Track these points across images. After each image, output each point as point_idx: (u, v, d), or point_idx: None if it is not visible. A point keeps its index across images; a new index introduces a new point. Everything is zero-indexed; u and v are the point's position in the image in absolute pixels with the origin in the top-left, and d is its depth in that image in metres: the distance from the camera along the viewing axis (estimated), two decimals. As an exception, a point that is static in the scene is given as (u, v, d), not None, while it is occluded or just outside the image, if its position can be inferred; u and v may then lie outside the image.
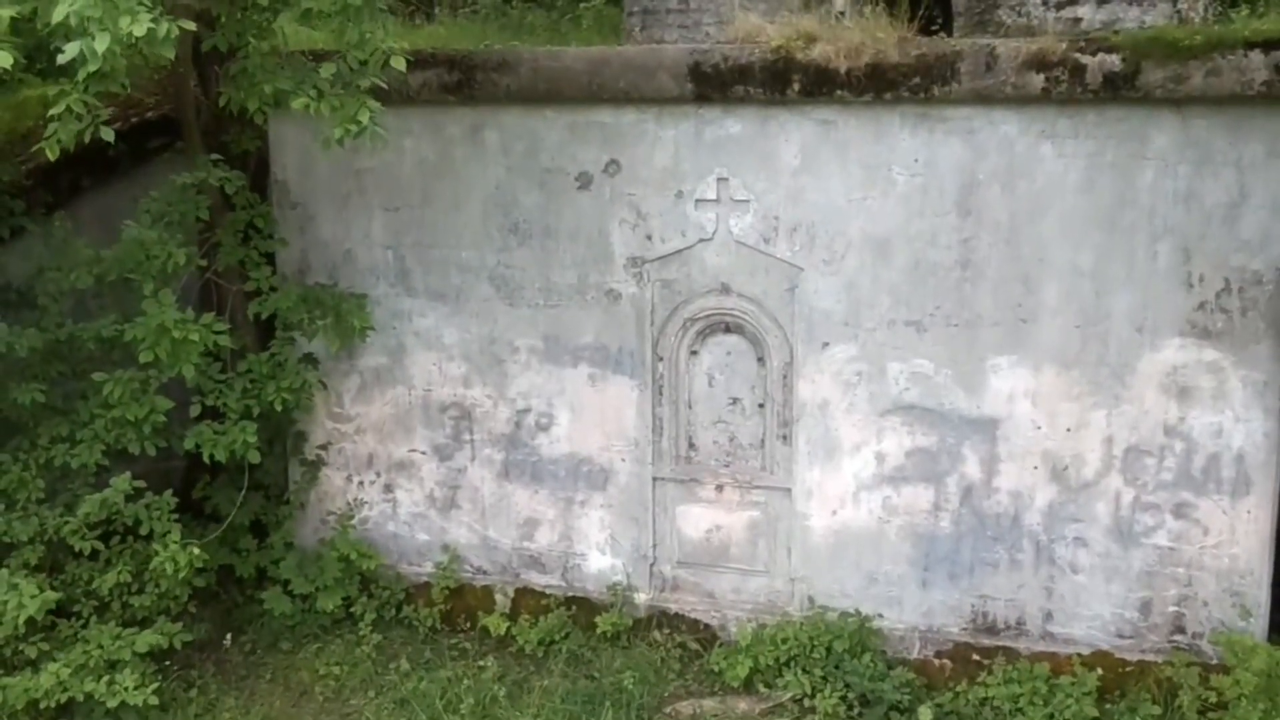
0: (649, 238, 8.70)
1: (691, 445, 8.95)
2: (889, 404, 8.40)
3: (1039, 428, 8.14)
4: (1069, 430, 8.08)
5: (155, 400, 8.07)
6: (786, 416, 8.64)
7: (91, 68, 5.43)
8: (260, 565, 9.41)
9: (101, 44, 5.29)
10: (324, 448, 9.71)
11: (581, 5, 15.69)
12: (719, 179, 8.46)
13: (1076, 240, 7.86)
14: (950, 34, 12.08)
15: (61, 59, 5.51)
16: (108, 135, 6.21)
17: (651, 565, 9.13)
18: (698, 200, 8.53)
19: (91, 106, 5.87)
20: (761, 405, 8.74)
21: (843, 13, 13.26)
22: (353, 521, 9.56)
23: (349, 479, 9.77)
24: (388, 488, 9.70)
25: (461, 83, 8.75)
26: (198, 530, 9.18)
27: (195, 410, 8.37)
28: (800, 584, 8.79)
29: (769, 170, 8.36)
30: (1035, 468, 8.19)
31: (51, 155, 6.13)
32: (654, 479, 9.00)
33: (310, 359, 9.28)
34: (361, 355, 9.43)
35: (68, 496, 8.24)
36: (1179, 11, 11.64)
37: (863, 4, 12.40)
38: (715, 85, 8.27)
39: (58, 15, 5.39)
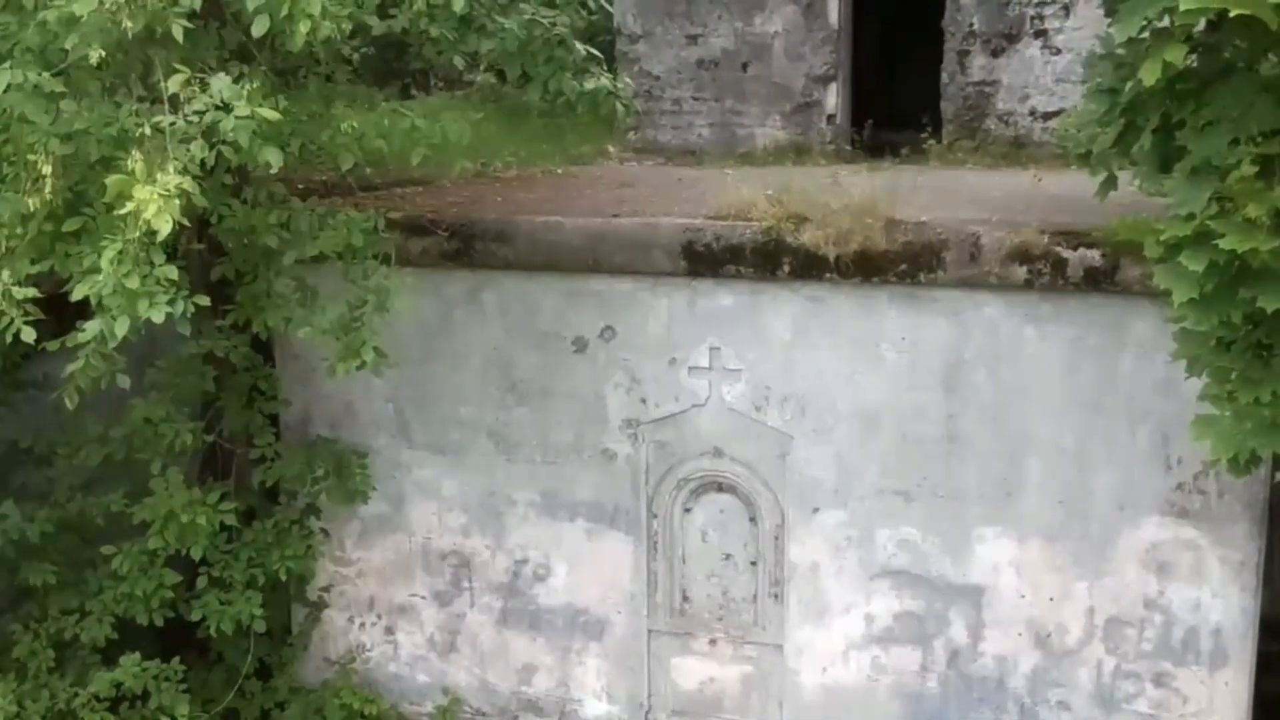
0: (643, 401, 8.93)
1: (685, 598, 9.18)
2: (878, 569, 8.65)
3: (1023, 596, 8.39)
4: (1052, 600, 8.34)
5: (163, 574, 8.30)
6: (778, 576, 8.88)
7: (110, 345, 5.66)
8: (265, 707, 9.61)
9: (121, 328, 5.51)
10: (326, 590, 9.91)
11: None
12: (711, 348, 8.69)
13: (1059, 420, 8.11)
14: (940, 140, 12.41)
15: (82, 337, 5.74)
16: (123, 382, 6.44)
17: (647, 714, 9.37)
18: (691, 367, 8.76)
19: (108, 358, 6.09)
20: (754, 563, 8.98)
21: (833, 115, 13.55)
22: (354, 664, 9.77)
23: (350, 620, 9.99)
24: (389, 630, 9.93)
25: (461, 251, 8.96)
26: (202, 671, 9.40)
27: (202, 582, 8.58)
28: (792, 737, 9.05)
29: (760, 342, 8.59)
30: (1020, 634, 8.44)
31: (70, 404, 6.35)
32: (649, 631, 9.24)
33: (313, 508, 9.47)
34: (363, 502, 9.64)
35: (77, 665, 8.45)
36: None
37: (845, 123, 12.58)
38: (708, 263, 8.50)
39: (78, 294, 5.61)
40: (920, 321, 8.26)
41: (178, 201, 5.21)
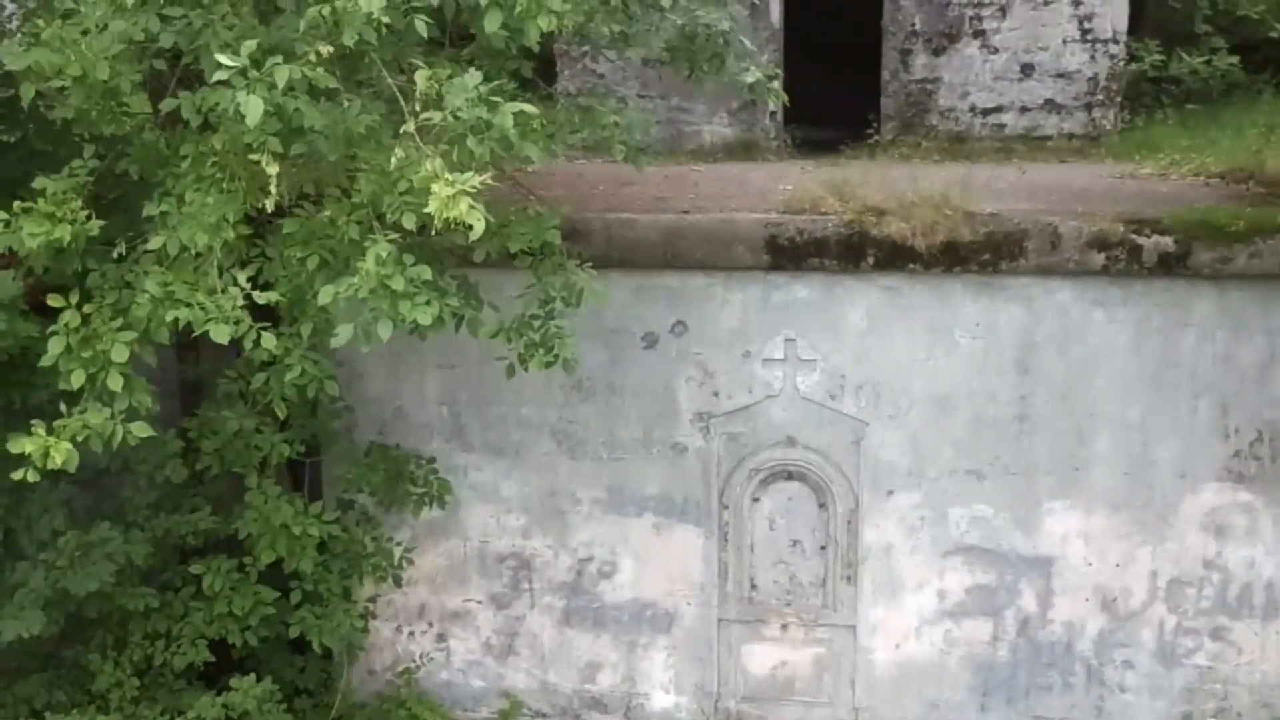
0: (715, 394, 9.06)
1: (753, 585, 9.35)
2: (950, 545, 9.02)
3: (1090, 564, 8.90)
4: (1118, 566, 8.88)
5: (259, 591, 7.97)
6: (851, 559, 9.15)
7: (368, 348, 5.46)
8: (319, 725, 9.33)
9: (384, 331, 5.31)
10: (372, 600, 9.64)
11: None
12: (786, 340, 8.89)
13: (1125, 397, 8.64)
14: (880, 134, 12.87)
15: (335, 342, 5.51)
16: (332, 389, 6.19)
17: (716, 701, 9.50)
18: (765, 359, 8.95)
19: (320, 365, 5.83)
20: (824, 547, 9.22)
21: (775, 112, 13.86)
22: (412, 674, 9.55)
23: (398, 630, 9.77)
24: (440, 637, 9.75)
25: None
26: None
27: (297, 597, 8.27)
28: (864, 714, 9.32)
29: (835, 332, 8.85)
30: (1087, 600, 8.96)
31: (280, 414, 6.06)
32: (719, 620, 9.38)
33: (368, 517, 9.22)
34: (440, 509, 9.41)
35: (164, 693, 8.04)
36: (1093, 120, 12.74)
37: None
38: (789, 256, 8.70)
39: (323, 299, 5.38)
40: (994, 308, 8.66)
41: (470, 200, 5.06)
